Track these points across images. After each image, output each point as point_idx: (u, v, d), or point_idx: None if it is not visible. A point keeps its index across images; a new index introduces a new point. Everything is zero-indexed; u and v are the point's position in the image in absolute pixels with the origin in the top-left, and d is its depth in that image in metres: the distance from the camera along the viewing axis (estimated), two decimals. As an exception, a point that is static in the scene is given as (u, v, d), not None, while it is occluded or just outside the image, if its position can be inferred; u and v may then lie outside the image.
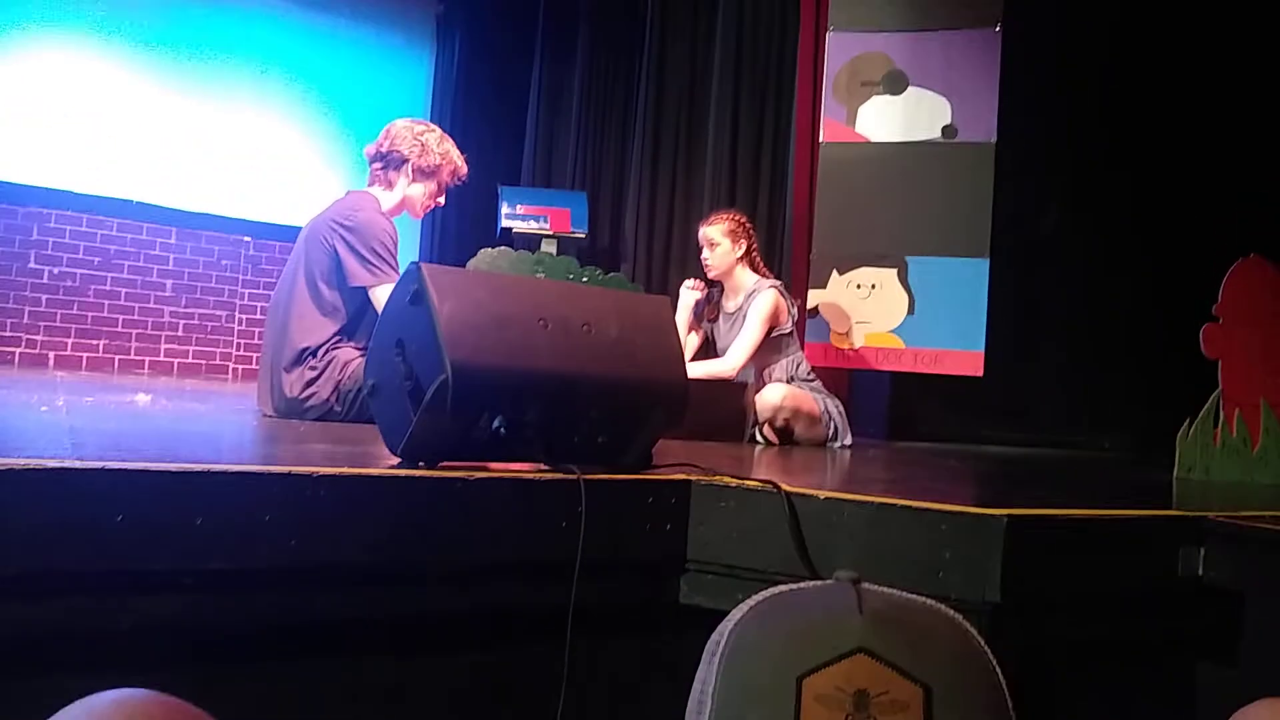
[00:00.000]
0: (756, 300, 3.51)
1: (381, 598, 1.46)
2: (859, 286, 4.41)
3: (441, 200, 3.30)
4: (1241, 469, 2.70)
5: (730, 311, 3.62)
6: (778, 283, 3.62)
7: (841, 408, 3.55)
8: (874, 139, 4.47)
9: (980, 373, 4.24)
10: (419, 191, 3.18)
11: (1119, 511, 1.68)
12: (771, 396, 3.35)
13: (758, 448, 3.16)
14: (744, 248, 3.61)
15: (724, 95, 5.76)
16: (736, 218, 3.67)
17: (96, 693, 0.61)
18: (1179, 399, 2.87)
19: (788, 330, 3.57)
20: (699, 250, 3.68)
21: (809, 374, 3.62)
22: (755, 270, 3.65)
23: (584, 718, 1.52)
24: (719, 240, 3.60)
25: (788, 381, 3.49)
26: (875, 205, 4.42)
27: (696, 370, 3.37)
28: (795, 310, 3.63)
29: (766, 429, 3.35)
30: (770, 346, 3.55)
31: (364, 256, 2.89)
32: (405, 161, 3.14)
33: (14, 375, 4.10)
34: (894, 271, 4.36)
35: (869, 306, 4.38)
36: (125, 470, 1.25)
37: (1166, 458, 2.80)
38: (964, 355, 4.25)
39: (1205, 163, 4.49)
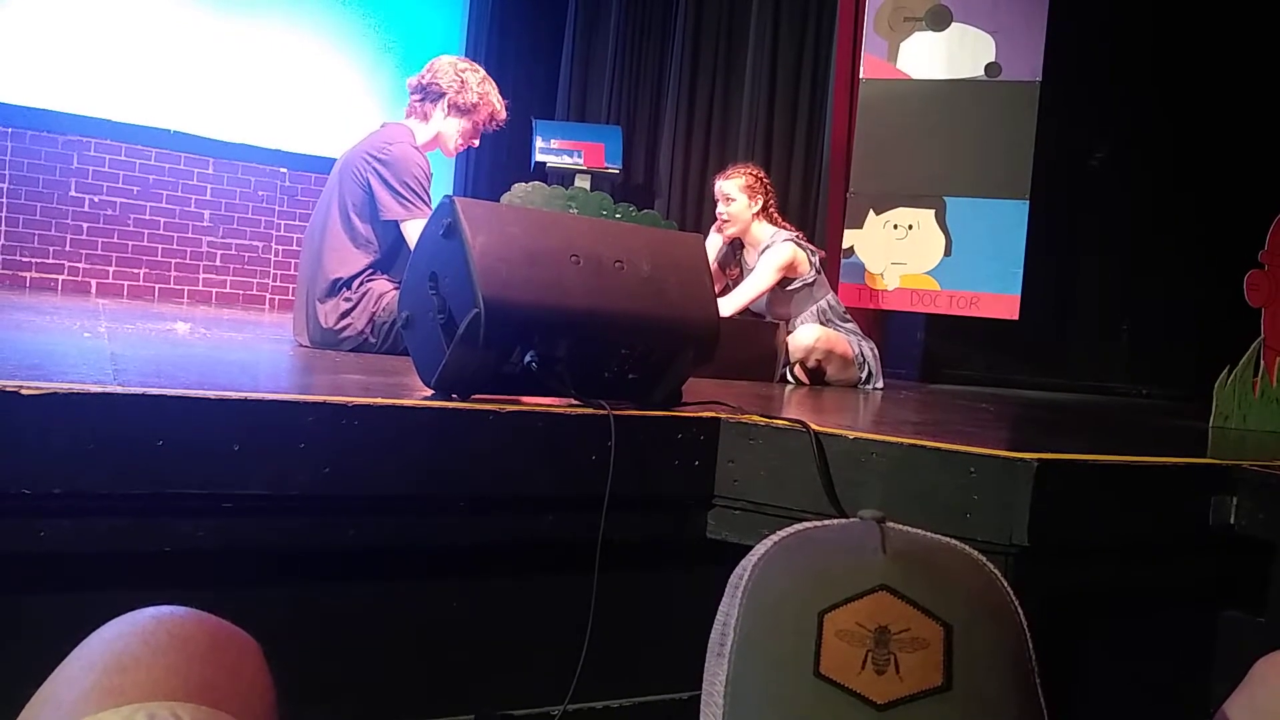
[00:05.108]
0: (770, 250, 3.47)
1: (413, 526, 1.49)
2: (896, 226, 4.35)
3: (476, 142, 3.29)
4: (1279, 419, 2.67)
5: (751, 266, 3.58)
6: (795, 234, 3.56)
7: (876, 350, 3.53)
8: (915, 76, 4.37)
9: (1016, 316, 4.20)
10: (453, 128, 3.16)
11: (1151, 459, 1.67)
12: (805, 337, 3.34)
13: (788, 388, 3.16)
14: (760, 203, 3.54)
15: (762, 29, 5.65)
16: (753, 172, 3.60)
17: (138, 609, 0.62)
18: (1221, 346, 2.83)
19: (810, 280, 3.51)
20: (714, 204, 3.63)
21: (845, 316, 3.59)
22: (773, 223, 3.59)
23: (610, 648, 1.55)
24: (735, 195, 3.53)
25: (823, 324, 3.47)
26: (915, 144, 4.34)
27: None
28: (818, 260, 3.55)
29: (798, 369, 3.34)
30: (792, 298, 3.51)
31: (397, 190, 2.89)
32: (443, 96, 3.12)
33: (57, 302, 4.17)
34: (932, 212, 4.30)
35: (905, 247, 4.33)
36: (166, 396, 1.28)
37: (1205, 406, 2.76)
38: (1000, 298, 4.20)
39: (1254, 107, 4.37)
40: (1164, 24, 4.57)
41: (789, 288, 3.49)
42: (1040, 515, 1.46)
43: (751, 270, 3.54)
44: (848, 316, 3.61)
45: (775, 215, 3.62)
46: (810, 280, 3.51)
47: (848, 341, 3.43)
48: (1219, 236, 3.79)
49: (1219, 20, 4.45)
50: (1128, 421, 3.17)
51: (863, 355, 3.45)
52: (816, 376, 3.37)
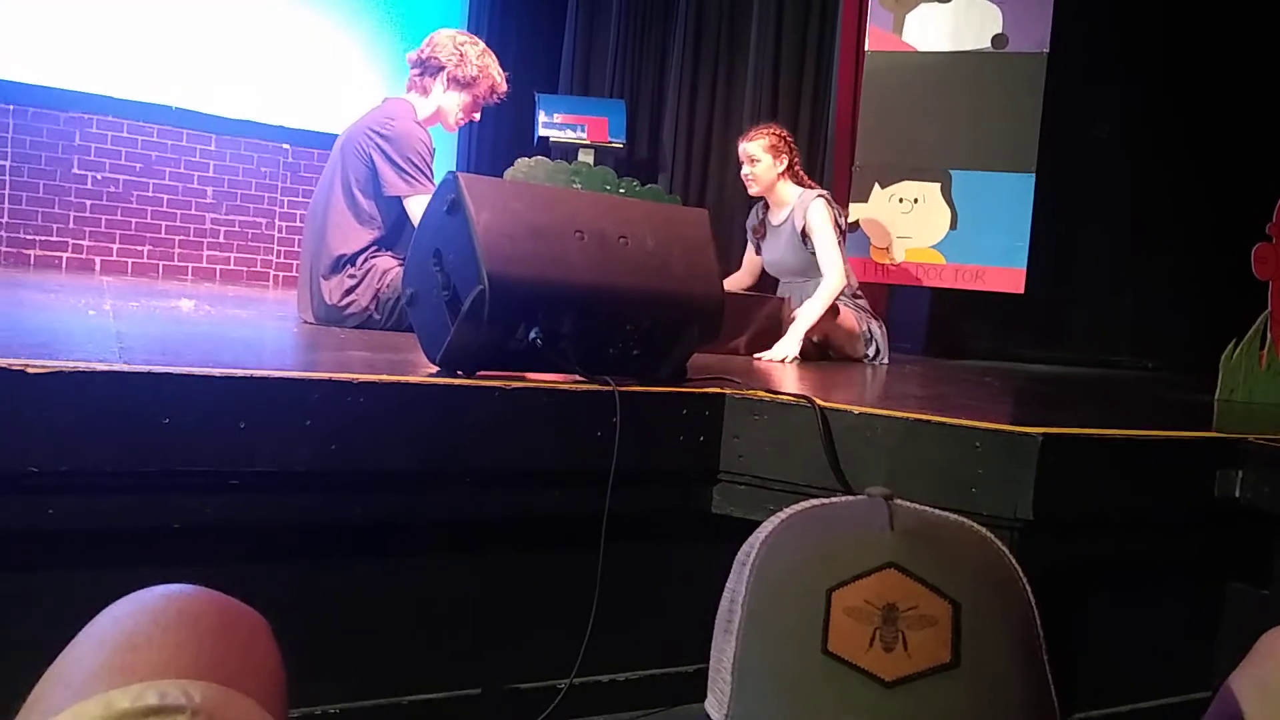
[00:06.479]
0: (810, 211, 3.41)
1: (419, 502, 1.49)
2: (901, 200, 4.33)
3: (477, 116, 3.26)
4: (1286, 392, 2.66)
5: (776, 225, 3.56)
6: (824, 192, 3.54)
7: (884, 329, 3.52)
8: (921, 48, 4.33)
9: (1022, 290, 4.18)
10: (454, 102, 3.14)
11: (1156, 432, 1.67)
12: (811, 308, 3.32)
13: (799, 364, 3.15)
14: (785, 162, 3.52)
15: (767, 1, 5.60)
16: (777, 132, 3.57)
17: (147, 587, 0.63)
18: (1227, 320, 2.81)
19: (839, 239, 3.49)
20: (739, 166, 3.61)
21: (856, 292, 3.57)
22: (799, 183, 3.57)
23: (616, 622, 1.55)
24: (760, 156, 3.51)
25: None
26: (920, 117, 4.31)
27: (819, 305, 3.21)
28: (843, 220, 3.54)
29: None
30: (814, 259, 3.49)
31: (400, 166, 2.88)
32: (442, 69, 3.10)
33: (61, 280, 4.17)
34: (937, 185, 4.27)
35: (911, 221, 4.31)
36: (171, 374, 1.28)
37: (1211, 379, 2.76)
38: (1006, 272, 4.19)
39: (1263, 78, 4.33)
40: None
41: (813, 249, 3.44)
42: (1045, 489, 1.46)
43: (778, 229, 3.52)
44: (859, 294, 3.60)
45: (800, 174, 3.60)
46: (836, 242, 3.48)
47: (855, 317, 3.42)
48: (1226, 209, 3.77)
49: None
50: (1132, 395, 3.16)
51: (870, 332, 3.44)
52: (821, 351, 3.36)
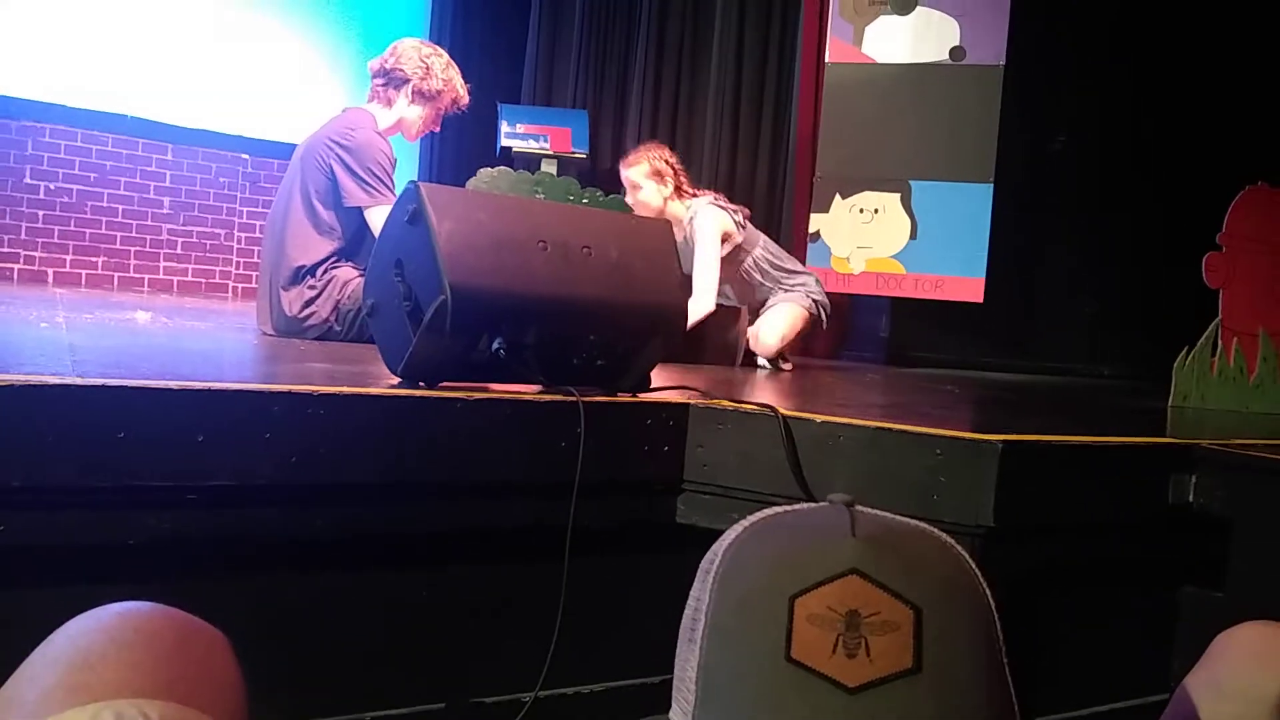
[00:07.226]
0: (696, 217, 3.32)
1: (381, 515, 1.48)
2: (861, 210, 4.37)
3: (438, 127, 3.26)
4: (1237, 398, 2.72)
5: (679, 244, 3.49)
6: (714, 198, 3.42)
7: (819, 281, 3.50)
8: (880, 60, 4.39)
9: (981, 299, 4.24)
10: (416, 114, 3.13)
11: (1112, 439, 1.69)
12: (769, 340, 3.29)
13: (760, 372, 3.16)
14: (671, 185, 3.39)
15: (729, 12, 5.64)
16: (657, 155, 3.44)
17: (102, 605, 0.62)
18: (1181, 328, 2.87)
19: (739, 240, 3.37)
20: (623, 193, 3.47)
21: (777, 262, 3.47)
22: (688, 197, 3.45)
23: (581, 634, 1.55)
24: (641, 182, 3.39)
25: (760, 282, 3.40)
26: (880, 128, 4.36)
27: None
28: (741, 217, 3.40)
29: (780, 361, 3.34)
30: (730, 263, 3.40)
31: (360, 176, 2.86)
32: (407, 82, 3.09)
33: (13, 291, 4.09)
34: (897, 196, 4.32)
35: (871, 231, 4.36)
36: (127, 388, 1.26)
37: (1165, 386, 2.81)
38: (965, 281, 4.24)
39: (1216, 89, 4.42)
40: (1128, 7, 4.61)
41: (723, 254, 3.35)
42: (1005, 496, 1.48)
43: (683, 249, 3.44)
44: (781, 256, 3.50)
45: (687, 190, 3.47)
46: (739, 241, 3.38)
47: (797, 311, 3.36)
48: (1180, 219, 3.84)
49: (1182, 3, 4.50)
50: (1089, 402, 3.21)
51: (813, 302, 3.40)
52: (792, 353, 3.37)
